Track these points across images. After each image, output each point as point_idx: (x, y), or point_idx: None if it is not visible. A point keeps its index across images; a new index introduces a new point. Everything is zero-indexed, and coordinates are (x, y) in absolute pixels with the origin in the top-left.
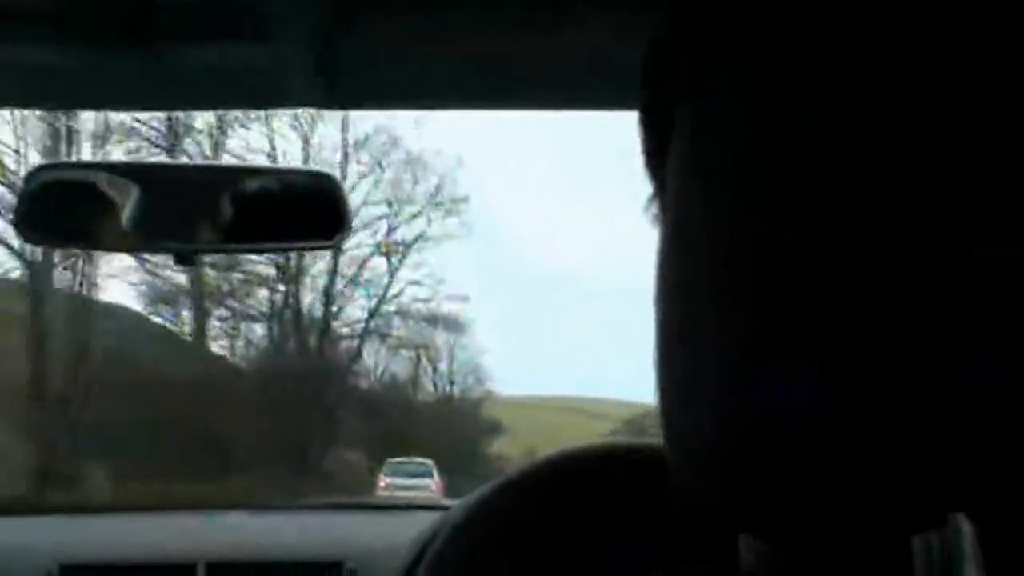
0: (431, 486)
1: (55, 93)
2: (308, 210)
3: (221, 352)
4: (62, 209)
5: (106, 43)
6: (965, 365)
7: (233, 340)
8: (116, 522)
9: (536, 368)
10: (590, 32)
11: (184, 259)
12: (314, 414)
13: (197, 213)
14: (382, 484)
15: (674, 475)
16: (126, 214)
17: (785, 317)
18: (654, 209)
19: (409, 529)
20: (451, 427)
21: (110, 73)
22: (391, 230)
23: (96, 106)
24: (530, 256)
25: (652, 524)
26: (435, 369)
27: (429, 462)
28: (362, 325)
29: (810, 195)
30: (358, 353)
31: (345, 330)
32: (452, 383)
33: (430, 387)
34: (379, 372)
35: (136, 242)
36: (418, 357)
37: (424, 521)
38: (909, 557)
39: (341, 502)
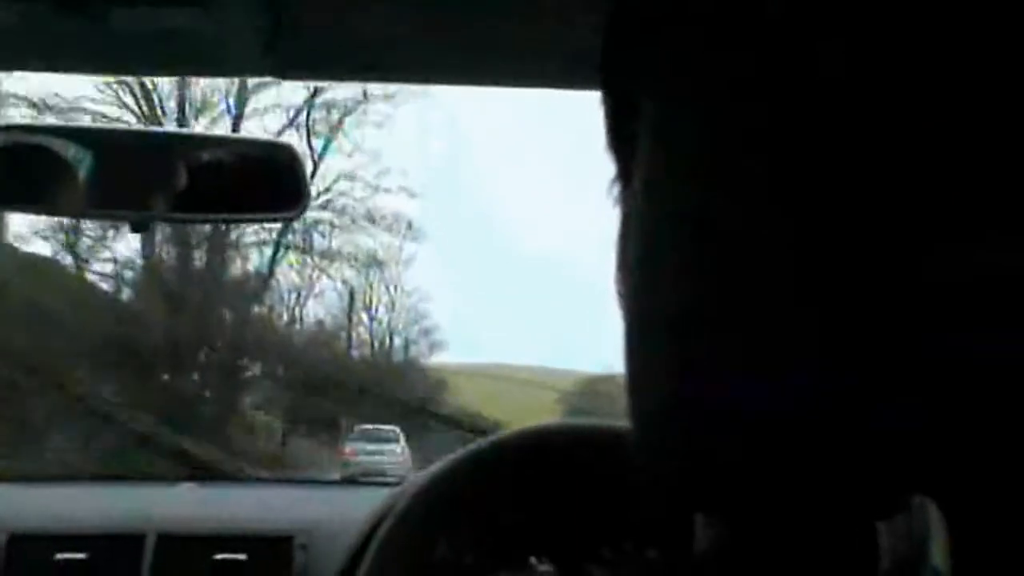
0: (397, 451)
1: None
2: (266, 181)
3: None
4: (13, 172)
5: (46, 5)
6: (927, 350)
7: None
8: (67, 492)
9: (478, 335)
10: (546, 6)
11: (138, 227)
12: (209, 365)
13: (153, 180)
14: (348, 451)
15: (635, 454)
16: (80, 179)
17: (746, 302)
18: (616, 190)
19: (362, 505)
20: (390, 387)
21: (50, 35)
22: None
23: (36, 68)
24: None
25: (608, 503)
26: (373, 316)
27: (396, 428)
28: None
29: (775, 181)
30: (268, 279)
31: (251, 237)
32: (391, 336)
33: (364, 336)
34: (293, 304)
35: (90, 208)
36: (351, 296)
37: (378, 497)
38: (874, 541)
39: (296, 477)
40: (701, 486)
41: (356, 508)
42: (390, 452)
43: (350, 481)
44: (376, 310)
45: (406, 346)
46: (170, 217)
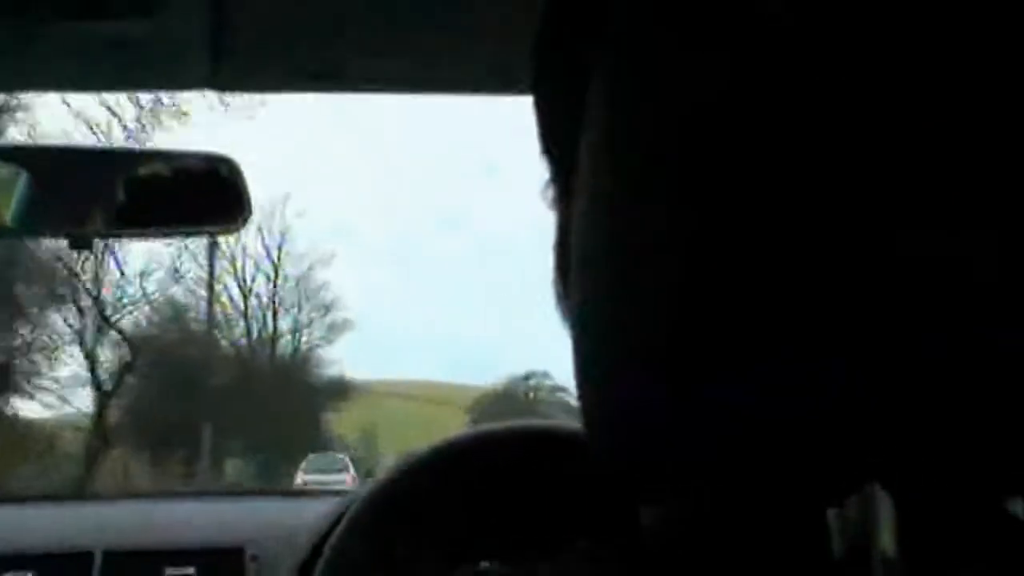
0: (347, 481)
1: None
2: (206, 194)
3: None
4: None
5: None
6: (878, 340)
7: None
8: (9, 512)
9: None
10: (488, 8)
11: (79, 244)
12: None
13: (91, 197)
14: (299, 480)
15: (587, 450)
16: (15, 198)
17: (703, 297)
18: (551, 193)
19: (311, 514)
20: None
21: None
22: None
23: None
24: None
25: (557, 501)
26: (246, 285)
27: (344, 457)
28: None
29: (734, 181)
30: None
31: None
32: (275, 315)
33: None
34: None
35: (27, 227)
36: (211, 256)
37: (322, 506)
38: (824, 528)
39: (243, 489)
40: (653, 478)
41: (306, 518)
42: (339, 482)
43: (299, 492)
44: (250, 279)
45: (296, 331)
46: (109, 233)
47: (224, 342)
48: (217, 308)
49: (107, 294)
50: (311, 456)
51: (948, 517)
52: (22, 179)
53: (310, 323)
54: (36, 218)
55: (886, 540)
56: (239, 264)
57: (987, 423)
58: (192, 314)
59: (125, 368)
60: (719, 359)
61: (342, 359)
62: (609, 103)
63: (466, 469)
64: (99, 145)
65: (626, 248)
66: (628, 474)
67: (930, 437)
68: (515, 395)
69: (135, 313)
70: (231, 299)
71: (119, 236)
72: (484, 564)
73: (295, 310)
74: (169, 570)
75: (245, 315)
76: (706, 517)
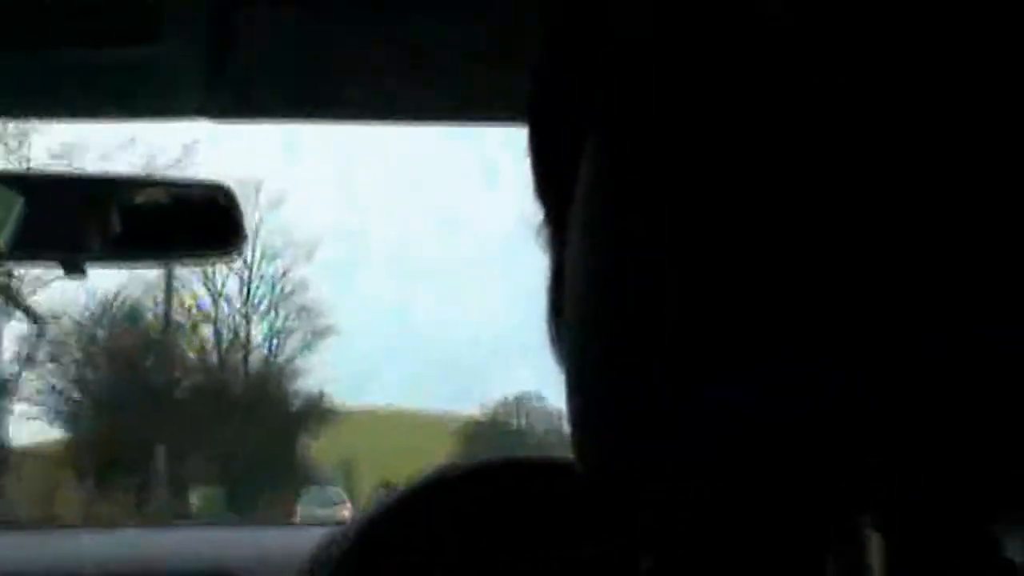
0: (344, 514)
1: None
2: (202, 221)
3: None
4: None
5: None
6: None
7: None
8: (4, 539)
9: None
10: (476, 44)
11: (72, 268)
12: None
13: (86, 223)
14: (296, 513)
15: (582, 487)
16: (9, 223)
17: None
18: (545, 235)
19: (304, 545)
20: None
21: None
22: None
23: None
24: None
25: (550, 536)
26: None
27: (340, 491)
28: None
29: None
30: None
31: None
32: (247, 319)
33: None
34: None
35: (20, 252)
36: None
37: (313, 536)
38: (821, 568)
39: (232, 518)
40: (650, 515)
41: (298, 548)
42: (336, 518)
43: (291, 523)
44: (220, 279)
45: (272, 335)
46: (104, 259)
47: (190, 351)
48: (182, 311)
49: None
50: (307, 489)
51: (939, 557)
52: (17, 204)
53: (288, 330)
54: (30, 243)
55: None
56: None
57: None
58: (152, 317)
59: (32, 351)
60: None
61: (323, 375)
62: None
63: (458, 501)
64: (95, 172)
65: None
66: (622, 480)
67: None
68: (505, 422)
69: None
70: (198, 302)
71: (113, 263)
72: None
73: (271, 315)
74: None
75: (214, 320)
76: (704, 554)
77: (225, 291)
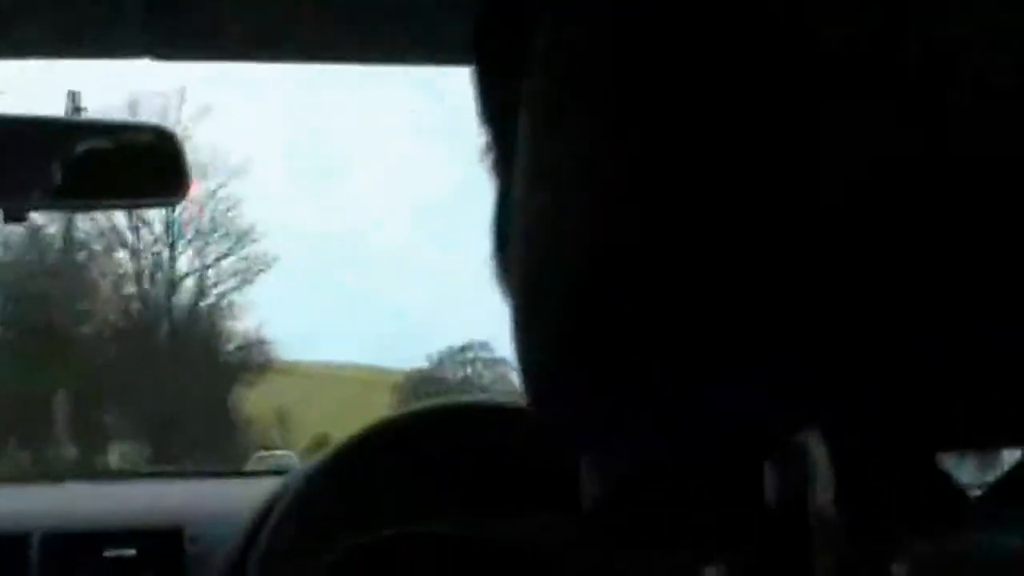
0: None
1: None
2: (145, 166)
3: None
4: None
5: None
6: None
7: None
8: None
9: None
10: None
11: (14, 216)
12: None
13: (27, 169)
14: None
15: (528, 419)
16: None
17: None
18: (490, 159)
19: (252, 495)
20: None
21: None
22: None
23: None
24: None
25: (492, 474)
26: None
27: (292, 455)
28: None
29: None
30: None
31: None
32: (172, 256)
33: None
34: None
35: None
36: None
37: (263, 486)
38: (760, 482)
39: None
40: (597, 437)
41: (247, 498)
42: None
43: (240, 473)
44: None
45: (201, 282)
46: (47, 205)
47: (105, 283)
48: (91, 231)
49: None
50: (259, 454)
51: (884, 471)
52: None
53: (219, 258)
54: None
55: (822, 494)
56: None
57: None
58: (57, 244)
59: None
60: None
61: (258, 317)
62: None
63: (406, 445)
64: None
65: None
66: (576, 433)
67: (867, 385)
68: (445, 374)
69: None
70: (115, 226)
71: (55, 209)
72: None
73: (200, 242)
74: (109, 551)
75: (136, 251)
76: (647, 473)
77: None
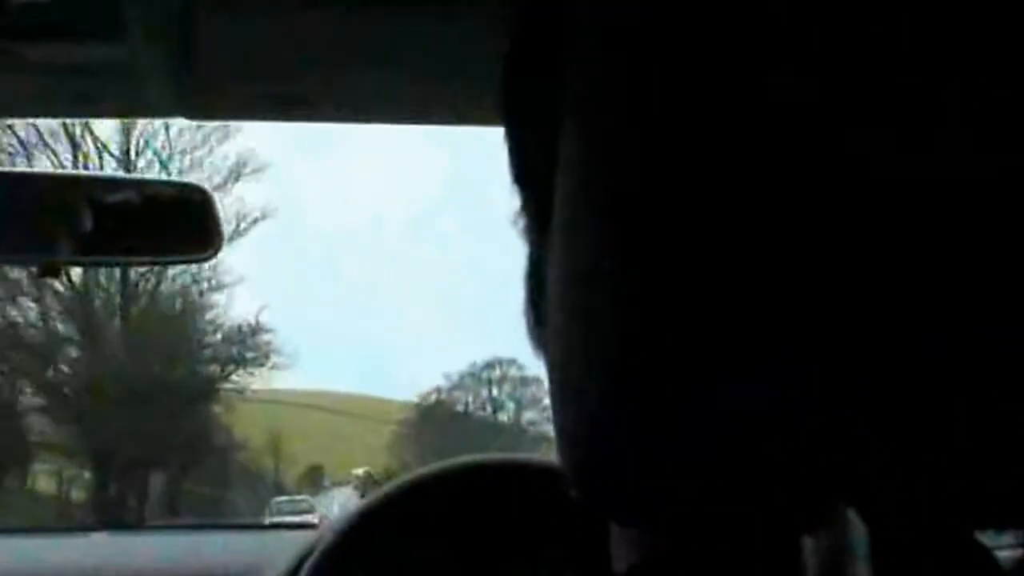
0: (313, 521)
1: None
2: (176, 222)
3: None
4: None
5: None
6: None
7: None
8: None
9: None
10: (467, 33)
11: (48, 271)
12: None
13: (58, 225)
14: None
15: (565, 477)
16: None
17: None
18: (522, 222)
19: (287, 548)
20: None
21: None
22: None
23: None
24: None
25: (527, 535)
26: None
27: (308, 499)
28: None
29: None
30: None
31: None
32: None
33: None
34: None
35: None
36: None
37: (294, 539)
38: (799, 556)
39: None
40: (632, 501)
41: (281, 551)
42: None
43: (275, 525)
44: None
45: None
46: (78, 260)
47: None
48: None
49: None
50: (275, 500)
51: (921, 546)
52: None
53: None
54: (6, 243)
55: (860, 568)
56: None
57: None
58: None
59: None
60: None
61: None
62: (586, 122)
63: (439, 502)
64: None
65: (619, 252)
66: (618, 481)
67: (905, 460)
68: (466, 396)
69: None
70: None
71: (85, 264)
72: None
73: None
74: None
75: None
76: (681, 544)
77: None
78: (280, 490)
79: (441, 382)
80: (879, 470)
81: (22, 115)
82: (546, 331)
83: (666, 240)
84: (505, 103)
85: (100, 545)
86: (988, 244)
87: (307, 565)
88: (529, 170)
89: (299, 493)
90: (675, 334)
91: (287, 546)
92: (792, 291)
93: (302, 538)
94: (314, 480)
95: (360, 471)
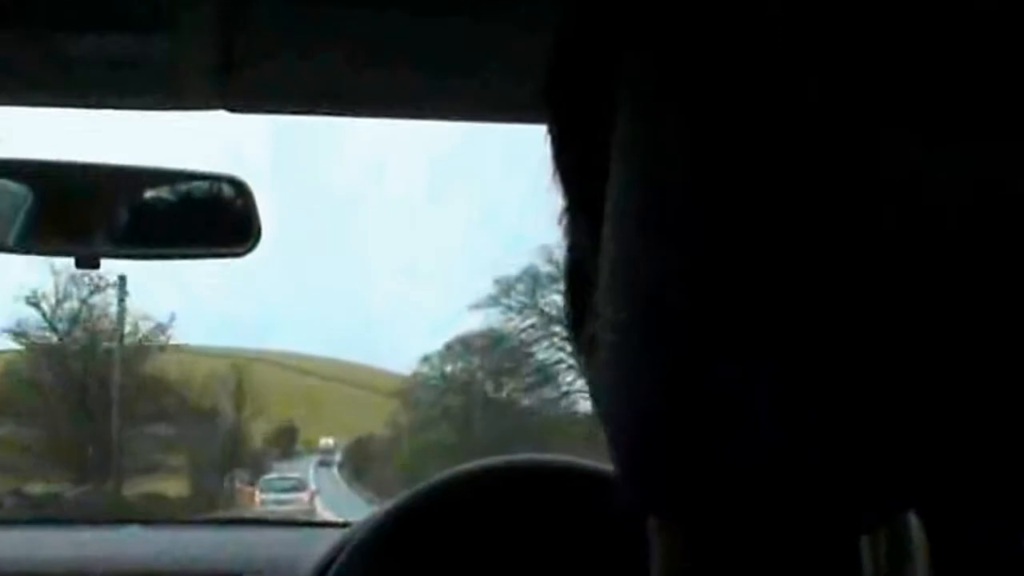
0: (304, 499)
1: None
2: (216, 216)
3: None
4: None
5: None
6: (915, 363)
7: None
8: (9, 536)
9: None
10: (500, 30)
11: (85, 263)
12: None
13: (98, 216)
14: (257, 500)
15: (591, 490)
16: (20, 215)
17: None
18: (565, 221)
19: (308, 544)
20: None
21: None
22: None
23: None
24: None
25: (559, 536)
26: None
27: (300, 476)
28: None
29: (744, 183)
30: None
31: None
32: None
33: None
34: None
35: (30, 245)
36: None
37: (323, 537)
38: (857, 558)
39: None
40: (690, 501)
41: (304, 547)
42: (296, 500)
43: (298, 522)
44: None
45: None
46: (115, 253)
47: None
48: None
49: None
50: (266, 477)
51: (980, 549)
52: (26, 196)
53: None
54: (39, 236)
55: (919, 571)
56: None
57: (988, 428)
58: None
59: None
60: (781, 355)
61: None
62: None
63: (468, 502)
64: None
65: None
66: (673, 486)
67: (964, 460)
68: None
69: None
70: None
71: (123, 256)
72: None
73: None
74: None
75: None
76: (730, 544)
77: None
78: (244, 441)
79: (427, 350)
80: (940, 471)
81: (62, 105)
82: (585, 332)
83: (735, 235)
84: (552, 96)
85: (132, 538)
86: (988, 243)
87: (337, 562)
88: (580, 164)
89: (269, 455)
90: (737, 329)
91: (318, 543)
92: (858, 286)
93: (332, 535)
94: (286, 444)
95: (328, 441)
